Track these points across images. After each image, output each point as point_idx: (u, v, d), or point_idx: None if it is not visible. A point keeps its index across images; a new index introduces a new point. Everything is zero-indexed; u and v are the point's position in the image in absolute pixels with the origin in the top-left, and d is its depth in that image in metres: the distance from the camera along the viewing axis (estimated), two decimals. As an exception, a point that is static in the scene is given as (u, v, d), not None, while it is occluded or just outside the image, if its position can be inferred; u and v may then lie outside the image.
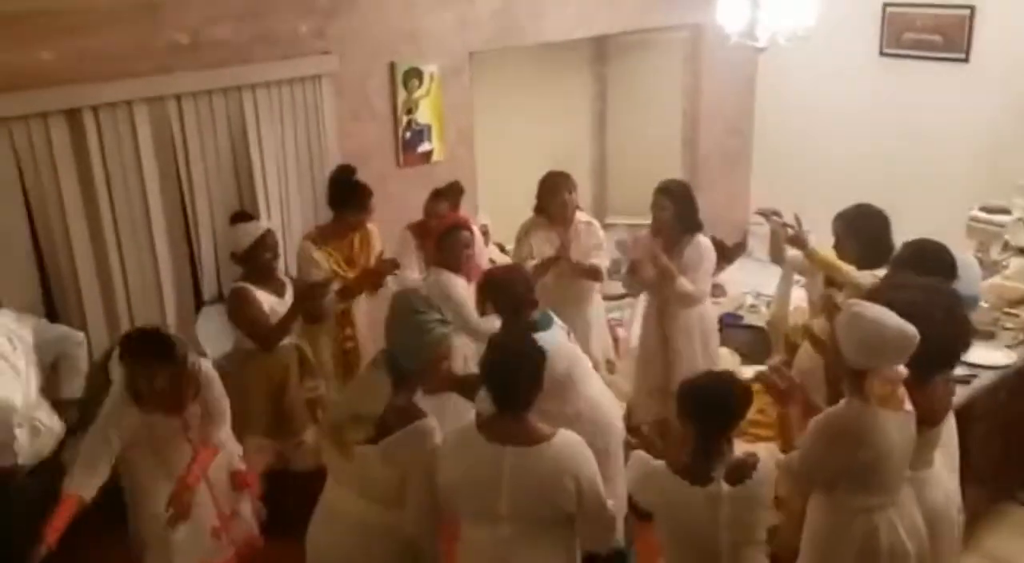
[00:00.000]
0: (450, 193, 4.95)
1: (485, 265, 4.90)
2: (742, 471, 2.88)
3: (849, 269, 3.98)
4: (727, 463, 2.89)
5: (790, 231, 4.26)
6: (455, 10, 5.64)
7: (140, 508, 3.63)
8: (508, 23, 5.89)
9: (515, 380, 2.90)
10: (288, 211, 5.19)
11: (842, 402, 2.89)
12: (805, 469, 2.94)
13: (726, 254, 7.12)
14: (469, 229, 4.52)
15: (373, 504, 3.02)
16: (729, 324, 6.03)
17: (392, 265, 4.65)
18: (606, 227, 7.44)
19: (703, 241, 4.57)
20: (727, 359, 5.43)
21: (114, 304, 4.63)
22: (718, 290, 6.86)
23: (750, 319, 6.19)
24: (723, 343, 5.57)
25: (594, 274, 4.78)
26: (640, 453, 3.12)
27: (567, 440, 2.91)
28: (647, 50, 7.10)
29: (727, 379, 3.04)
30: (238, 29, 4.79)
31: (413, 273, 4.69)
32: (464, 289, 4.28)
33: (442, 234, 4.41)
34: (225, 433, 3.74)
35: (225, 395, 3.71)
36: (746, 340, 5.89)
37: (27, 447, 3.75)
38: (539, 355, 2.96)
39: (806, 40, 5.39)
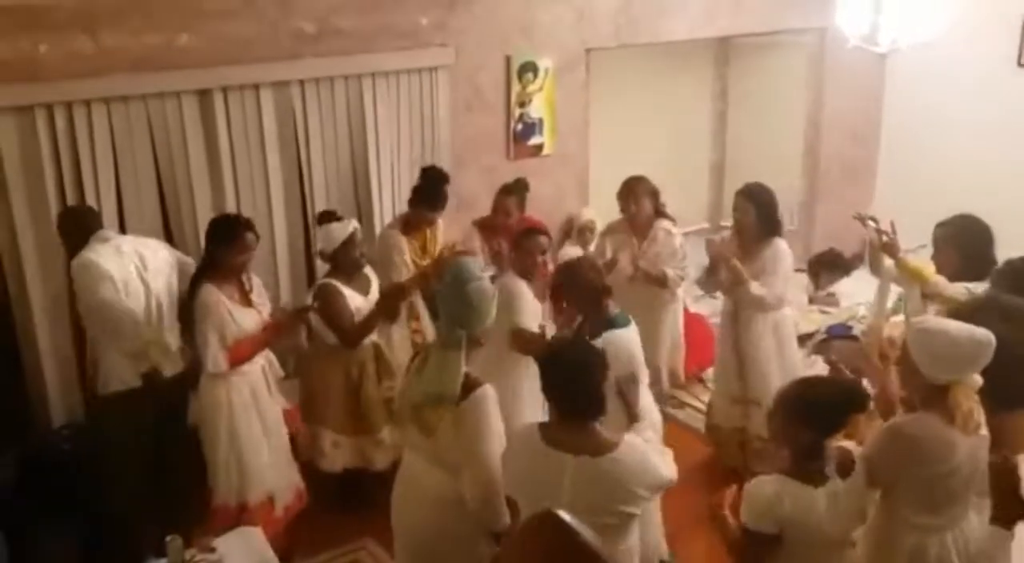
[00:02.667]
0: (516, 189, 5.02)
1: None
2: (847, 464, 2.82)
3: (939, 280, 3.87)
4: (833, 459, 2.84)
5: (884, 238, 4.18)
6: (573, 6, 5.74)
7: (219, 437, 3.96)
8: (627, 21, 5.96)
9: (578, 391, 2.88)
10: (400, 196, 5.39)
11: (918, 413, 2.84)
12: (864, 468, 2.91)
13: (843, 265, 6.99)
14: (547, 233, 4.52)
15: (448, 475, 3.09)
16: (837, 335, 5.92)
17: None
18: (721, 230, 7.44)
19: (781, 245, 4.54)
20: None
21: (232, 273, 4.95)
22: (831, 300, 6.76)
23: (860, 330, 6.04)
24: (825, 353, 5.53)
25: (659, 281, 4.79)
26: (758, 479, 2.94)
27: (632, 447, 2.90)
28: (771, 52, 7.04)
29: (830, 380, 2.99)
30: (362, 20, 5.04)
31: None
32: (529, 298, 4.25)
33: (519, 237, 4.41)
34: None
35: None
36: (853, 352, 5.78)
37: (161, 360, 4.08)
38: (601, 362, 2.94)
39: (930, 47, 5.24)
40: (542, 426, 2.94)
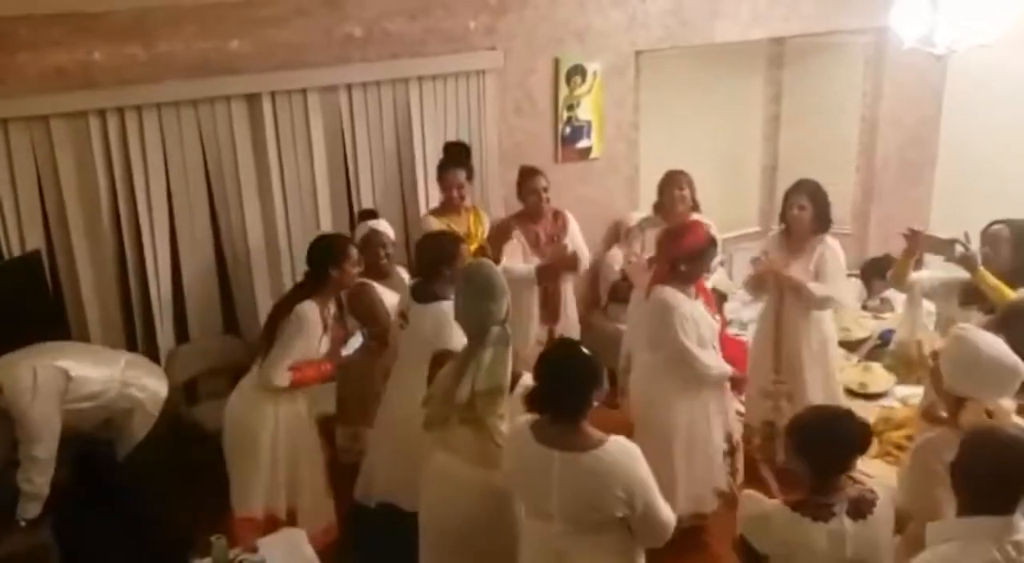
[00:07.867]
0: (538, 171, 5.10)
1: (584, 253, 5.12)
2: (863, 506, 2.71)
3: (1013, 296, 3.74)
4: (848, 498, 2.73)
5: (959, 249, 4.01)
6: (624, 9, 5.69)
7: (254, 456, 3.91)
8: (678, 23, 5.88)
9: (570, 393, 2.88)
10: (446, 199, 5.42)
11: (936, 430, 2.76)
12: (906, 501, 2.83)
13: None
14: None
15: (488, 470, 3.20)
16: (890, 340, 5.80)
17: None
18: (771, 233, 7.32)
19: (833, 242, 4.51)
20: (882, 376, 5.23)
21: (280, 275, 5.01)
22: (885, 305, 6.61)
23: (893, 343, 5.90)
24: (879, 359, 5.41)
25: None
26: (751, 492, 2.98)
27: (618, 447, 2.86)
28: (827, 53, 6.87)
29: (842, 415, 2.83)
30: (410, 24, 5.05)
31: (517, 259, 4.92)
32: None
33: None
34: None
35: None
36: (904, 358, 5.65)
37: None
38: (597, 366, 2.93)
39: (991, 49, 5.08)
40: (534, 423, 2.96)
